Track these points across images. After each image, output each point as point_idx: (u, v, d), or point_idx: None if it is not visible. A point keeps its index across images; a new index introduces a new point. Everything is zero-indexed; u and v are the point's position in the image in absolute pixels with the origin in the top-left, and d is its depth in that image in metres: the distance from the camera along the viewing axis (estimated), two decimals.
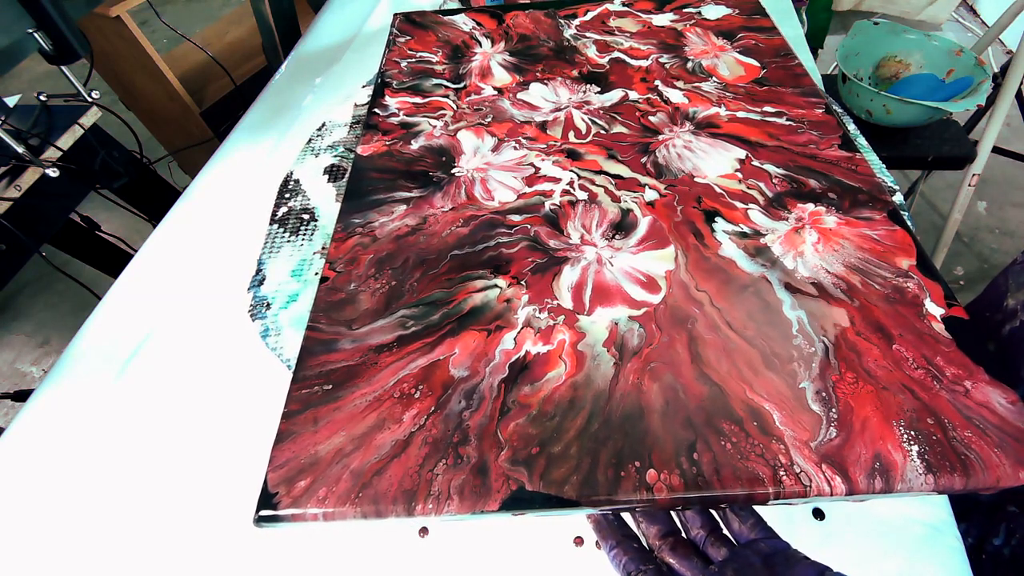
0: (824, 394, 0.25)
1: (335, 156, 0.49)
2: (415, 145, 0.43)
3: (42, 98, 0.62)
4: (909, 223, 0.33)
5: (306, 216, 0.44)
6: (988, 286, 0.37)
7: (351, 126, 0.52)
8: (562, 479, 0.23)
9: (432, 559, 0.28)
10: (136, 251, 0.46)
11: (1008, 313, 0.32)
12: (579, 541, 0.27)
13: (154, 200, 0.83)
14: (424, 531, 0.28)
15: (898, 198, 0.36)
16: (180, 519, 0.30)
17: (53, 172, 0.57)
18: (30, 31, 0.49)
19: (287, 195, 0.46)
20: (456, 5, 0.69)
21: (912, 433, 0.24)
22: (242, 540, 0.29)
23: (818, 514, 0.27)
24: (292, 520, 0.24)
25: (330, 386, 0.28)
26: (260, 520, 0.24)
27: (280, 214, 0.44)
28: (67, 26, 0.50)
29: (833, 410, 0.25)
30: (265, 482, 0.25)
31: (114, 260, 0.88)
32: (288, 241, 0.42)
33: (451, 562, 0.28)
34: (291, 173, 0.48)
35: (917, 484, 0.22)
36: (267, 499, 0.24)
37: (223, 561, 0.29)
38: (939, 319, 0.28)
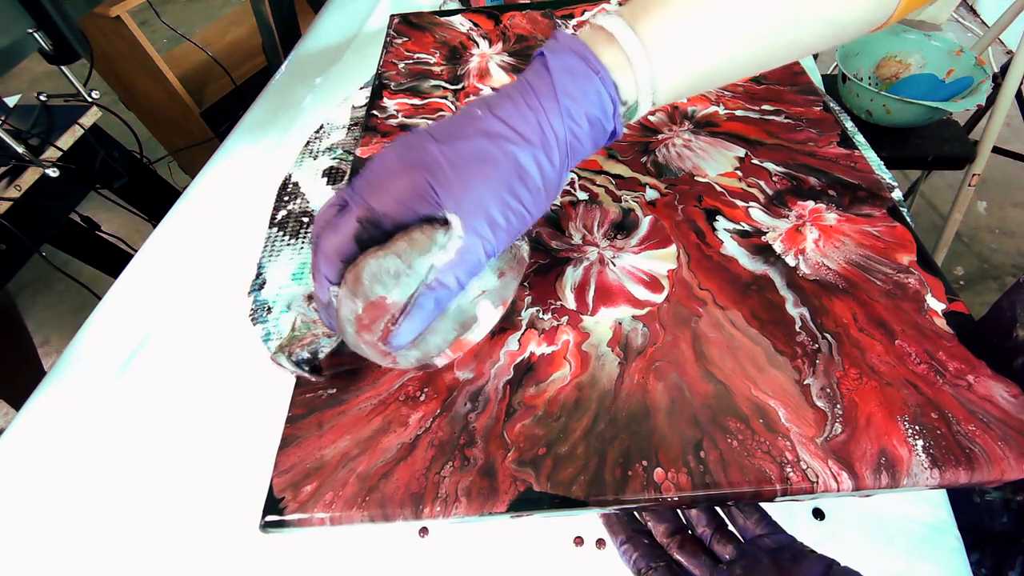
0: (828, 390, 0.25)
1: (334, 158, 0.49)
2: None
3: (42, 98, 0.62)
4: (908, 219, 0.33)
5: (306, 219, 0.44)
6: (991, 309, 0.36)
7: (349, 128, 0.52)
8: (569, 479, 0.23)
9: (432, 559, 0.28)
10: (136, 251, 0.46)
11: (1020, 344, 0.32)
12: (579, 541, 0.27)
13: (154, 200, 0.83)
14: (424, 531, 0.28)
15: (897, 194, 0.36)
16: (181, 522, 0.30)
17: (53, 172, 0.57)
18: (30, 31, 0.48)
19: (286, 198, 0.46)
20: (456, 5, 0.69)
21: (916, 428, 0.24)
22: (240, 541, 0.29)
23: (818, 514, 0.27)
24: (299, 525, 0.24)
25: (334, 390, 0.28)
26: (266, 525, 0.24)
27: (279, 217, 0.44)
28: (67, 26, 0.50)
29: (838, 406, 0.25)
30: (271, 487, 0.24)
31: (114, 260, 0.88)
32: (288, 244, 0.42)
33: (451, 562, 0.28)
34: (289, 176, 0.48)
35: (923, 479, 0.22)
36: (273, 504, 0.24)
37: (221, 561, 0.29)
38: (940, 314, 0.28)
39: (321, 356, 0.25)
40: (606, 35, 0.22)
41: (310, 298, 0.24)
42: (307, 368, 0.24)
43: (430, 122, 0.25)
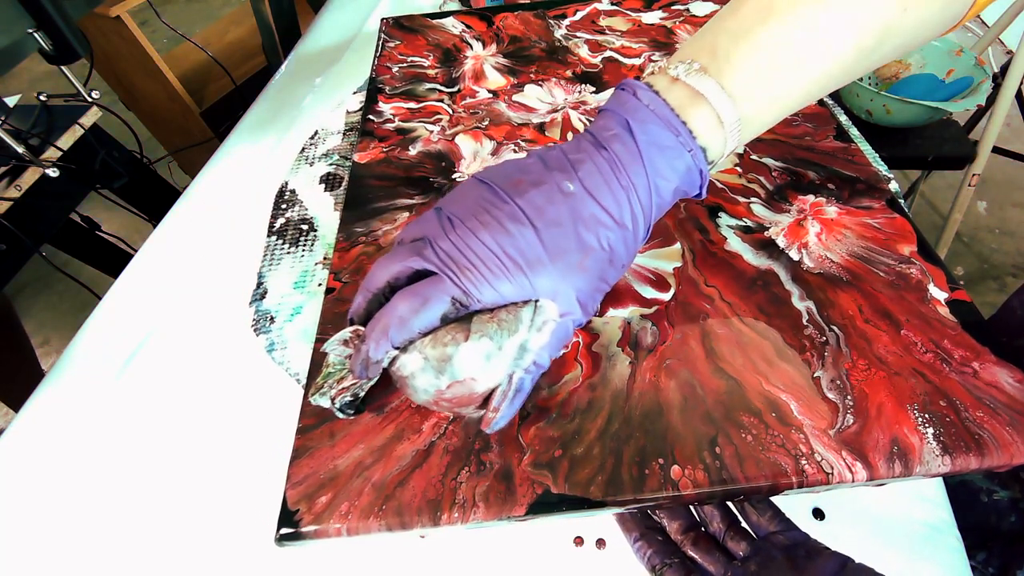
0: (838, 382, 0.25)
1: (330, 164, 0.48)
2: (413, 151, 0.43)
3: (42, 98, 0.61)
4: (906, 210, 0.33)
5: (305, 226, 0.43)
6: (1001, 309, 0.36)
7: (344, 133, 0.51)
8: (587, 480, 0.23)
9: (432, 560, 0.28)
10: (136, 251, 0.45)
11: None
12: (579, 541, 0.27)
13: (154, 200, 0.83)
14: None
15: (894, 186, 0.36)
16: (181, 524, 0.30)
17: (53, 172, 0.56)
18: (30, 31, 0.48)
19: (283, 206, 0.45)
20: (456, 6, 0.69)
21: (926, 416, 0.24)
22: (241, 541, 0.29)
23: (818, 514, 0.27)
24: (315, 536, 0.23)
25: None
26: (282, 538, 0.23)
27: (278, 225, 0.44)
28: (67, 26, 0.49)
29: (848, 397, 0.25)
30: (284, 500, 0.24)
31: (114, 260, 0.88)
32: (288, 253, 0.42)
33: (451, 563, 0.27)
34: (286, 183, 0.47)
35: (935, 466, 0.23)
36: (288, 516, 0.24)
37: (220, 561, 0.28)
38: (943, 303, 0.28)
39: (361, 395, 0.24)
40: (690, 92, 0.21)
41: (347, 343, 0.24)
42: (351, 412, 0.24)
43: (513, 158, 0.23)
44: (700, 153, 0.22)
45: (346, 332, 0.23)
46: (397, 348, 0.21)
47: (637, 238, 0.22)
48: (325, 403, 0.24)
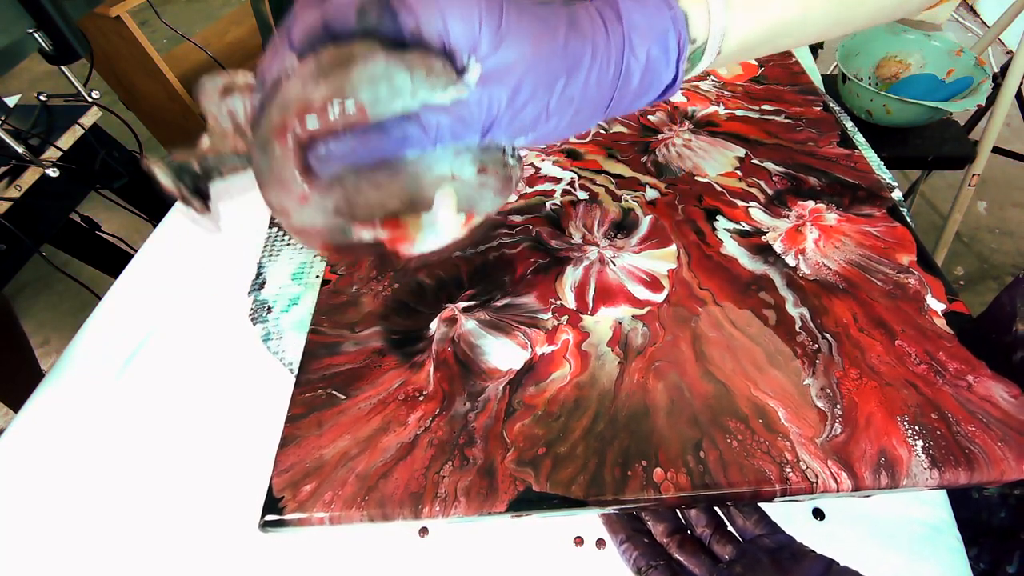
0: (828, 390, 0.25)
1: None
2: None
3: (42, 98, 0.62)
4: (908, 219, 0.33)
5: None
6: (991, 304, 0.36)
7: None
8: (569, 479, 0.23)
9: (432, 559, 0.28)
10: (136, 251, 0.46)
11: (1019, 339, 0.32)
12: (579, 541, 0.27)
13: (154, 200, 0.83)
14: (424, 531, 0.28)
15: (896, 194, 0.36)
16: (181, 522, 0.30)
17: (53, 172, 0.57)
18: (30, 31, 0.49)
19: None
20: None
21: (916, 428, 0.24)
22: (240, 540, 0.29)
23: (818, 514, 0.27)
24: (298, 524, 0.24)
25: (334, 389, 0.28)
26: (266, 525, 0.24)
27: None
28: (67, 26, 0.50)
29: (838, 406, 0.25)
30: (270, 487, 0.24)
31: (114, 260, 0.88)
32: (288, 244, 0.42)
33: (451, 562, 0.27)
34: None
35: (922, 479, 0.22)
36: (272, 504, 0.24)
37: (221, 561, 0.29)
38: (940, 314, 0.28)
39: (216, 179, 0.18)
40: None
41: (227, 90, 0.18)
42: (189, 186, 0.18)
43: None
44: (681, 16, 0.20)
45: (239, 78, 0.18)
46: (296, 53, 0.17)
47: (600, 88, 0.19)
48: (158, 171, 0.18)
